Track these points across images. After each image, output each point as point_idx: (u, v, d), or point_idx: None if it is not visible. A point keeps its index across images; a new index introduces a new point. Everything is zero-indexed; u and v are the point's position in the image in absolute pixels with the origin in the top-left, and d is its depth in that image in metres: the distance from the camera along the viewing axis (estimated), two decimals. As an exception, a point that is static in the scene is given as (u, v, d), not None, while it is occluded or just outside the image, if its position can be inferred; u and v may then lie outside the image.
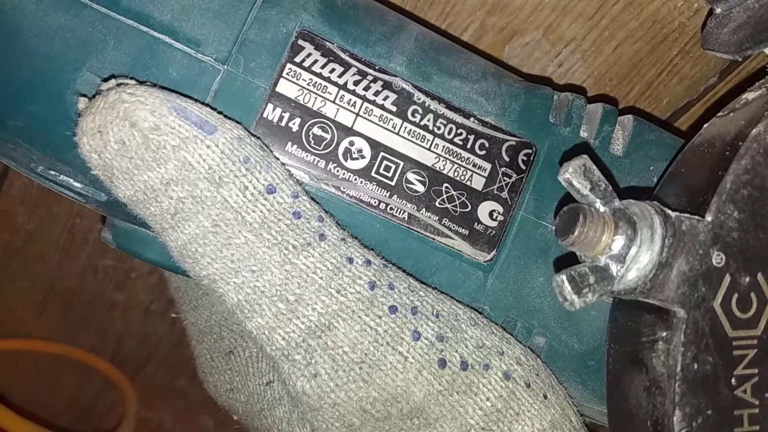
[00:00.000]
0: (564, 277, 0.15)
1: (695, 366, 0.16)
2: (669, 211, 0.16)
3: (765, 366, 0.16)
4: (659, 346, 0.16)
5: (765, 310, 0.16)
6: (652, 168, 0.23)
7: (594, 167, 0.16)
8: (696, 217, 0.16)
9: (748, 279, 0.16)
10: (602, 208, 0.16)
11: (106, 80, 0.17)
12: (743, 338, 0.16)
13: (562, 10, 0.29)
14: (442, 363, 0.18)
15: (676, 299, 0.15)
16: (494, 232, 0.21)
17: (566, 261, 0.17)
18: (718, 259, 0.16)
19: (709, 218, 0.16)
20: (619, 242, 0.16)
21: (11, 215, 0.41)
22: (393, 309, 0.18)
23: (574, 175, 0.16)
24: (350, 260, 0.18)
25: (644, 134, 0.23)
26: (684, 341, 0.15)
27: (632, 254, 0.15)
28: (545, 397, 0.19)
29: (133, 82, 0.17)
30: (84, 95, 0.18)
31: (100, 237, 0.23)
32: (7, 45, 0.18)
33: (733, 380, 0.16)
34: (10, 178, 0.40)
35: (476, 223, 0.21)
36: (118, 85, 0.17)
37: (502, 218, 0.21)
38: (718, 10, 0.21)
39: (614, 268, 0.16)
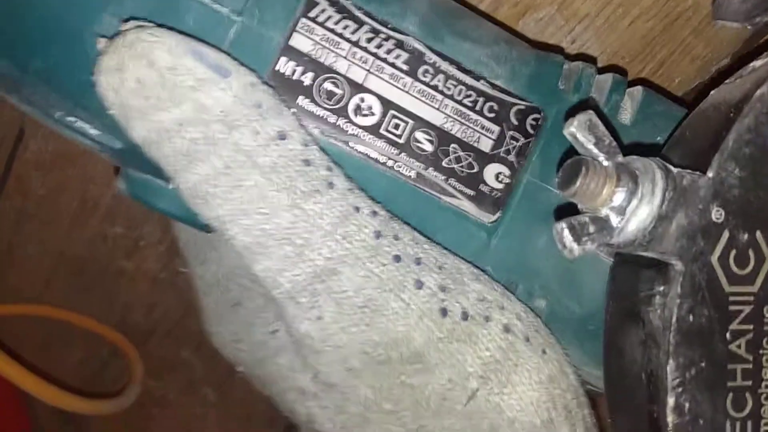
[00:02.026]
0: (564, 225, 0.15)
1: (690, 318, 0.16)
2: (671, 167, 0.16)
3: (760, 322, 0.16)
4: (656, 300, 0.17)
5: (762, 268, 0.16)
6: (659, 138, 0.23)
7: (599, 122, 0.16)
8: (697, 173, 0.16)
9: (746, 236, 0.16)
10: (605, 162, 0.16)
11: (126, 21, 0.18)
12: (739, 294, 0.16)
13: (576, -14, 0.29)
14: (444, 312, 0.18)
15: (674, 252, 0.16)
16: (500, 194, 0.22)
17: (567, 211, 0.18)
18: (717, 214, 0.16)
19: (710, 174, 0.16)
20: (620, 195, 0.16)
21: (25, 180, 0.42)
22: (397, 258, 0.18)
23: (579, 129, 0.16)
24: (357, 209, 0.18)
25: (653, 105, 0.23)
26: (680, 293, 0.16)
27: (633, 207, 0.16)
28: (544, 352, 0.19)
29: (152, 24, 0.18)
30: (104, 36, 0.18)
31: (115, 187, 0.23)
32: (30, -11, 0.19)
33: (727, 335, 0.16)
34: (25, 141, 0.40)
35: (482, 185, 0.21)
36: (138, 26, 0.17)
37: (508, 181, 0.22)
38: (730, -18, 0.22)
39: (614, 219, 0.16)
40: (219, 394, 0.50)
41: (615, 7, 0.29)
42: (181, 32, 0.18)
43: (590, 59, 0.25)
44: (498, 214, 0.22)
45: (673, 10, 0.29)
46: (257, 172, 0.17)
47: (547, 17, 0.30)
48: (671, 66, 0.31)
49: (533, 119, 0.22)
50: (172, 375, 0.50)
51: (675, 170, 0.16)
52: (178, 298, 0.45)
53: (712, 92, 0.19)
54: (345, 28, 0.20)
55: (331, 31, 0.20)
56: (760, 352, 0.16)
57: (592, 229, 0.16)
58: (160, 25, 0.18)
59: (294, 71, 0.20)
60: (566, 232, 0.15)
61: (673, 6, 0.29)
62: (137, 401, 0.46)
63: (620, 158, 0.16)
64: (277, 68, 0.20)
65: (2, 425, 0.51)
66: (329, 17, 0.20)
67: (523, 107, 0.22)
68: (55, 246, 0.44)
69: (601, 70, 0.24)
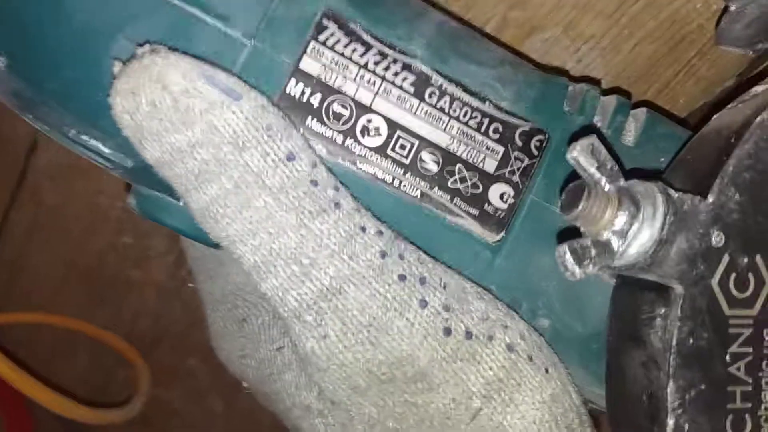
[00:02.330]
0: (566, 248, 0.16)
1: (691, 341, 0.16)
2: (672, 191, 0.16)
3: (760, 345, 0.17)
4: (657, 322, 0.17)
5: (762, 291, 0.17)
6: (662, 159, 0.23)
7: (601, 147, 0.17)
8: (698, 197, 0.16)
9: (746, 260, 0.16)
10: (607, 186, 0.17)
11: (140, 45, 0.18)
12: (739, 317, 0.16)
13: (582, 8, 0.29)
14: (447, 331, 0.19)
15: (674, 275, 0.16)
16: (504, 213, 0.22)
17: (570, 234, 0.18)
18: (717, 238, 0.16)
19: (710, 199, 0.16)
20: (621, 219, 0.16)
21: (37, 190, 0.43)
22: (402, 277, 0.19)
23: (581, 154, 0.17)
24: (363, 229, 0.19)
25: (656, 127, 0.24)
26: (681, 316, 0.16)
27: (634, 230, 0.16)
28: (547, 371, 0.20)
29: (166, 48, 0.18)
30: (119, 59, 0.19)
31: (126, 204, 0.24)
32: (48, 12, 0.20)
33: (727, 357, 0.16)
34: (38, 153, 0.41)
35: (487, 204, 0.22)
36: (152, 50, 0.18)
37: (512, 201, 0.22)
38: (732, 7, 0.22)
39: (616, 243, 0.16)
40: (225, 404, 0.50)
41: (621, 28, 0.30)
42: (193, 56, 0.19)
43: (594, 81, 0.26)
44: (502, 234, 0.22)
45: (677, 32, 0.29)
46: (266, 192, 0.18)
47: (553, 38, 0.30)
48: (676, 87, 0.31)
49: (538, 140, 0.22)
50: (179, 384, 0.50)
51: (676, 194, 0.16)
52: (184, 307, 0.46)
53: (714, 117, 0.20)
54: (353, 51, 0.21)
55: (340, 54, 0.21)
56: (759, 374, 0.17)
57: (593, 252, 0.16)
58: (173, 49, 0.19)
59: (303, 93, 0.20)
60: (568, 255, 0.16)
61: (678, 28, 0.29)
62: (143, 410, 0.46)
63: (622, 182, 0.17)
64: (287, 90, 0.20)
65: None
66: (338, 41, 0.21)
67: (527, 129, 0.22)
68: (65, 255, 0.45)
69: (605, 92, 0.24)
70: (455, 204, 0.22)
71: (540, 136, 0.22)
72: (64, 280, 0.47)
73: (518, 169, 0.22)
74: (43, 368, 0.47)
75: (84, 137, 0.21)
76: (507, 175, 0.22)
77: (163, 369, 0.49)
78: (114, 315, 0.48)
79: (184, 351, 0.48)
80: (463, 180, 0.22)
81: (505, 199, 0.22)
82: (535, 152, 0.22)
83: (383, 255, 0.19)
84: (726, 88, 0.31)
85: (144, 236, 0.43)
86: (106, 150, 0.21)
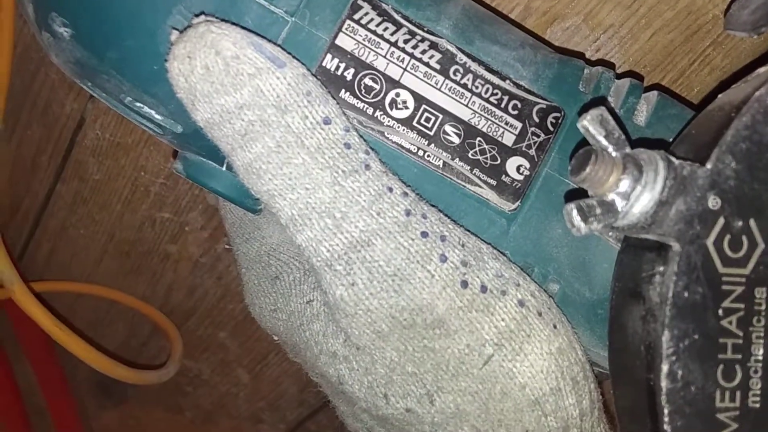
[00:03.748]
0: (573, 205, 0.17)
1: (686, 294, 0.18)
2: (673, 158, 0.18)
3: (751, 302, 0.18)
4: (656, 279, 0.18)
5: (754, 253, 0.18)
6: (672, 139, 0.24)
7: (609, 117, 0.18)
8: (697, 164, 0.18)
9: (740, 223, 0.18)
10: (614, 153, 0.18)
11: (196, 16, 0.21)
12: (732, 275, 0.18)
13: (602, -2, 0.31)
14: (464, 284, 0.20)
15: (672, 234, 0.18)
16: (520, 184, 0.24)
17: (578, 196, 0.20)
18: (713, 202, 0.18)
19: (708, 166, 0.18)
20: (625, 182, 0.18)
21: (82, 165, 0.45)
22: (424, 234, 0.20)
23: (591, 123, 0.18)
24: (390, 189, 0.20)
25: (667, 108, 0.25)
26: (677, 271, 0.17)
27: (636, 193, 0.18)
28: (555, 327, 0.21)
29: (218, 20, 0.20)
30: (176, 28, 0.21)
31: (172, 168, 0.26)
32: (110, -13, 0.22)
33: (720, 311, 0.18)
34: (84, 129, 0.43)
35: (504, 176, 0.23)
36: (207, 20, 0.20)
37: (528, 173, 0.24)
38: (742, -4, 0.23)
39: (620, 203, 0.18)
40: (251, 375, 0.53)
41: (638, 18, 0.31)
42: (241, 27, 0.21)
43: (609, 65, 0.27)
44: (518, 203, 0.24)
45: (693, 22, 0.31)
46: (304, 151, 0.20)
47: (574, 27, 0.32)
48: (691, 76, 0.32)
49: (554, 117, 0.24)
50: (208, 354, 0.53)
51: (677, 161, 0.18)
52: (217, 282, 0.48)
53: (719, 95, 0.21)
54: (385, 29, 0.23)
55: (373, 32, 0.22)
56: (750, 329, 0.18)
57: (598, 210, 0.18)
58: (224, 21, 0.21)
59: (338, 67, 0.22)
60: (575, 213, 0.17)
61: (694, 19, 0.30)
62: (172, 378, 0.48)
63: (628, 149, 0.18)
64: (323, 64, 0.22)
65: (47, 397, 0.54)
66: (371, 20, 0.23)
67: (544, 106, 0.24)
68: (106, 228, 0.48)
69: (620, 76, 0.26)
70: (474, 174, 0.23)
71: (556, 114, 0.24)
72: (104, 251, 0.49)
73: (534, 143, 0.24)
74: (84, 335, 0.49)
75: (138, 104, 0.24)
76: (524, 149, 0.24)
77: (194, 339, 0.52)
78: (150, 287, 0.50)
79: (215, 323, 0.51)
80: (482, 152, 0.23)
81: (521, 171, 0.24)
82: (551, 128, 0.24)
83: (408, 213, 0.20)
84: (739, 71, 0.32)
85: (181, 212, 0.45)
86: (158, 116, 0.24)
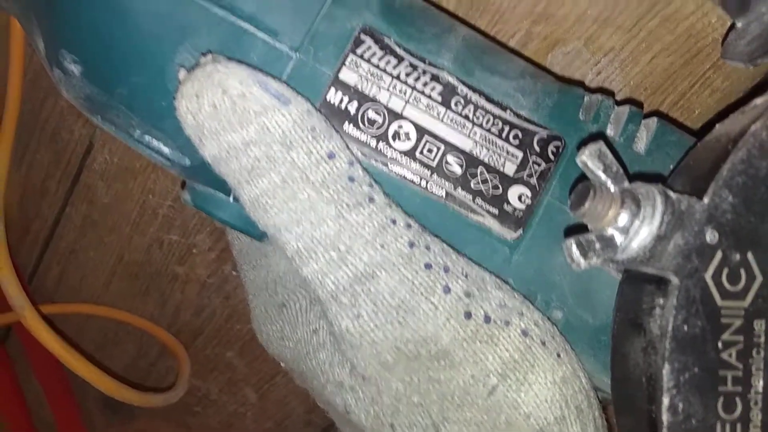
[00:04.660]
0: (572, 241, 0.18)
1: (685, 328, 0.18)
2: (670, 192, 0.18)
3: (750, 335, 0.18)
4: (656, 311, 0.19)
5: (753, 285, 0.18)
6: (671, 166, 0.25)
7: (608, 151, 0.19)
8: (694, 198, 0.18)
9: (738, 256, 0.18)
10: (612, 187, 0.19)
11: (204, 55, 0.21)
12: (731, 308, 0.18)
13: (602, 22, 0.31)
14: (468, 315, 0.21)
15: (671, 268, 0.18)
16: (522, 213, 0.24)
17: (579, 230, 0.20)
18: (711, 236, 0.18)
19: (705, 200, 0.18)
20: (624, 216, 0.18)
21: (91, 189, 0.46)
22: (428, 266, 0.21)
23: (589, 158, 0.19)
24: (394, 221, 0.21)
25: (666, 135, 0.25)
26: (676, 305, 0.18)
27: (635, 227, 0.18)
28: (559, 356, 0.21)
29: (225, 58, 0.21)
30: (184, 67, 0.21)
31: (181, 199, 0.26)
32: (119, 24, 0.22)
33: (719, 344, 0.18)
34: (93, 154, 0.44)
35: (506, 204, 0.24)
36: (214, 59, 0.20)
37: (530, 202, 0.24)
38: (738, 25, 0.24)
39: (619, 238, 0.18)
40: (259, 395, 0.53)
41: (638, 42, 0.31)
42: (247, 65, 0.21)
43: (609, 92, 0.27)
44: (520, 232, 0.24)
45: (693, 45, 0.31)
46: (309, 186, 0.20)
47: (575, 51, 0.32)
48: (691, 98, 0.33)
49: (554, 146, 0.24)
50: (216, 374, 0.53)
51: (674, 196, 0.18)
52: (224, 302, 0.49)
53: (717, 125, 0.22)
54: (387, 63, 0.23)
55: (375, 66, 0.23)
56: (750, 361, 0.18)
57: (598, 245, 0.18)
58: (231, 59, 0.21)
59: (342, 101, 0.23)
60: (574, 248, 0.18)
61: (693, 42, 0.31)
62: (183, 398, 0.49)
63: (626, 184, 0.19)
64: (327, 98, 0.23)
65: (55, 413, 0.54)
66: (374, 54, 0.23)
67: (545, 135, 0.24)
68: (115, 251, 0.48)
69: (619, 103, 0.26)
70: (477, 203, 0.24)
71: (556, 143, 0.24)
72: (113, 273, 0.50)
73: (536, 172, 0.24)
74: (92, 357, 0.50)
75: (147, 138, 0.24)
76: (525, 177, 0.24)
77: (202, 360, 0.52)
78: (158, 308, 0.51)
79: (223, 344, 0.51)
80: (484, 181, 0.24)
81: (523, 200, 0.24)
82: (552, 157, 0.24)
83: (411, 245, 0.21)
84: (740, 99, 0.32)
85: (189, 234, 0.45)
86: (166, 150, 0.24)
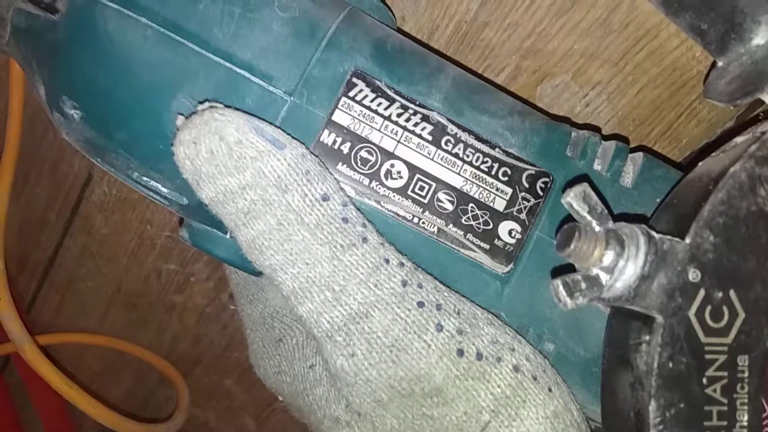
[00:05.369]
0: (559, 281, 0.18)
1: (670, 365, 0.18)
2: (653, 233, 0.19)
3: (734, 370, 0.19)
4: (643, 348, 0.19)
5: (736, 322, 0.19)
6: (658, 200, 0.25)
7: (592, 193, 0.19)
8: (676, 239, 0.19)
9: (721, 294, 0.19)
10: (597, 228, 0.19)
11: (201, 103, 0.22)
12: (715, 345, 0.19)
13: (590, 56, 0.32)
14: (460, 352, 0.21)
15: (655, 307, 0.18)
16: (512, 248, 0.24)
17: (564, 269, 0.20)
18: (694, 275, 0.19)
19: (688, 240, 0.19)
20: (608, 257, 0.19)
21: (90, 220, 0.46)
22: (421, 304, 0.21)
23: (574, 199, 0.19)
24: (387, 261, 0.21)
25: (653, 169, 0.26)
26: (661, 342, 0.18)
27: (620, 267, 0.18)
28: (550, 390, 0.22)
29: (221, 105, 0.21)
30: (181, 113, 0.22)
31: (179, 236, 0.27)
32: (118, 72, 0.23)
33: (704, 380, 0.19)
34: (92, 186, 0.45)
35: (497, 239, 0.24)
36: (211, 107, 0.21)
37: (520, 236, 0.24)
38: (720, 64, 0.24)
39: (604, 277, 0.19)
40: (257, 422, 0.53)
41: (625, 75, 0.32)
42: (242, 110, 0.22)
43: (595, 128, 0.28)
44: (510, 266, 0.24)
45: (679, 78, 0.32)
46: (304, 228, 0.21)
47: (563, 84, 0.33)
48: (679, 128, 0.33)
49: (543, 182, 0.25)
50: (214, 403, 0.53)
51: (657, 236, 0.19)
52: (222, 331, 0.49)
53: (699, 163, 0.22)
54: (379, 105, 0.24)
55: (367, 108, 0.24)
56: (735, 396, 0.19)
57: (584, 285, 0.18)
58: (227, 106, 0.22)
59: (335, 142, 0.23)
60: (561, 288, 0.18)
61: (679, 75, 0.32)
62: (179, 428, 0.49)
63: (610, 224, 0.19)
64: (321, 139, 0.23)
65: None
66: (366, 96, 0.24)
67: (533, 172, 0.25)
68: (113, 281, 0.49)
69: (606, 138, 0.27)
70: (468, 239, 0.24)
71: (545, 179, 0.25)
72: (111, 303, 0.50)
73: (525, 208, 0.25)
74: (91, 386, 0.50)
75: (145, 179, 0.25)
76: (515, 213, 0.24)
77: (200, 388, 0.52)
78: (156, 337, 0.51)
79: (221, 372, 0.51)
80: (475, 217, 0.24)
81: (513, 235, 0.24)
82: (541, 193, 0.25)
83: (404, 284, 0.21)
84: (726, 128, 0.33)
85: (187, 263, 0.46)
86: (164, 190, 0.25)
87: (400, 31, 0.28)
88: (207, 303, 0.48)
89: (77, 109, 0.24)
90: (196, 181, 0.21)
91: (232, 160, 0.20)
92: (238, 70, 0.23)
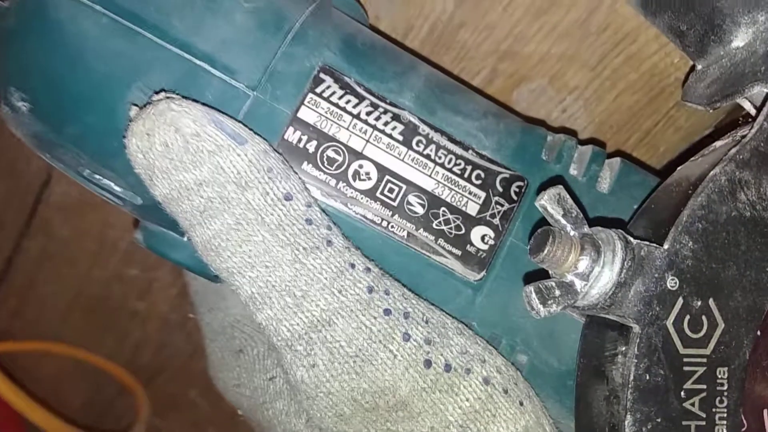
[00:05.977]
0: (532, 288, 0.17)
1: (647, 377, 0.17)
2: (630, 238, 0.18)
3: (713, 383, 0.18)
4: (618, 359, 0.18)
5: (715, 333, 0.18)
6: (635, 207, 0.24)
7: (567, 196, 0.18)
8: (654, 245, 0.18)
9: (699, 303, 0.18)
10: (572, 232, 0.18)
11: (157, 92, 0.20)
12: (693, 356, 0.18)
13: (567, 60, 0.31)
14: (428, 363, 0.20)
15: (632, 315, 0.17)
16: (485, 254, 0.23)
17: (538, 276, 0.20)
18: (672, 283, 0.18)
19: (666, 246, 0.18)
20: (584, 263, 0.18)
21: (49, 222, 0.45)
22: (387, 312, 0.20)
23: (548, 202, 0.18)
24: (352, 266, 0.20)
25: (630, 175, 0.25)
26: (637, 353, 0.17)
27: (595, 273, 0.18)
28: (521, 404, 0.21)
29: (179, 96, 0.20)
30: (135, 104, 0.20)
31: (133, 238, 0.26)
32: (70, 63, 0.22)
33: (682, 393, 0.18)
34: (51, 186, 0.43)
35: (469, 245, 0.23)
36: (167, 97, 0.20)
37: (493, 242, 0.23)
38: (699, 67, 0.24)
39: (579, 284, 0.18)
40: (222, 435, 0.51)
41: (603, 80, 0.32)
42: (202, 104, 0.21)
43: (572, 132, 0.27)
44: (483, 273, 0.23)
45: (657, 84, 0.31)
46: (264, 229, 0.19)
47: (540, 88, 0.32)
48: (656, 136, 0.33)
49: (517, 186, 0.24)
50: (178, 414, 0.51)
51: (634, 242, 0.18)
52: (187, 339, 0.47)
53: (678, 168, 0.21)
54: (347, 102, 0.23)
55: (335, 105, 0.22)
56: (714, 410, 0.18)
57: (557, 292, 0.17)
58: (185, 98, 0.21)
59: (300, 140, 0.22)
60: (534, 295, 0.17)
61: (657, 81, 0.31)
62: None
63: (586, 229, 0.18)
64: (286, 137, 0.22)
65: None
66: (333, 93, 0.23)
67: (507, 176, 0.24)
68: (73, 285, 0.47)
69: (583, 143, 0.26)
70: (439, 244, 0.23)
71: (519, 183, 0.24)
72: (71, 309, 0.48)
73: (498, 212, 0.24)
74: (47, 395, 0.48)
75: (97, 176, 0.23)
76: (488, 218, 0.24)
77: (163, 399, 0.50)
78: (117, 345, 0.49)
79: (185, 382, 0.49)
80: (447, 222, 0.23)
81: (486, 241, 0.23)
82: (515, 197, 0.24)
83: (370, 290, 0.20)
84: (705, 136, 0.33)
85: (149, 269, 0.44)
86: (117, 188, 0.23)
87: (373, 29, 0.27)
88: (171, 310, 0.46)
89: (25, 101, 0.22)
90: (149, 176, 0.20)
91: (188, 154, 0.19)
92: (198, 62, 0.21)
